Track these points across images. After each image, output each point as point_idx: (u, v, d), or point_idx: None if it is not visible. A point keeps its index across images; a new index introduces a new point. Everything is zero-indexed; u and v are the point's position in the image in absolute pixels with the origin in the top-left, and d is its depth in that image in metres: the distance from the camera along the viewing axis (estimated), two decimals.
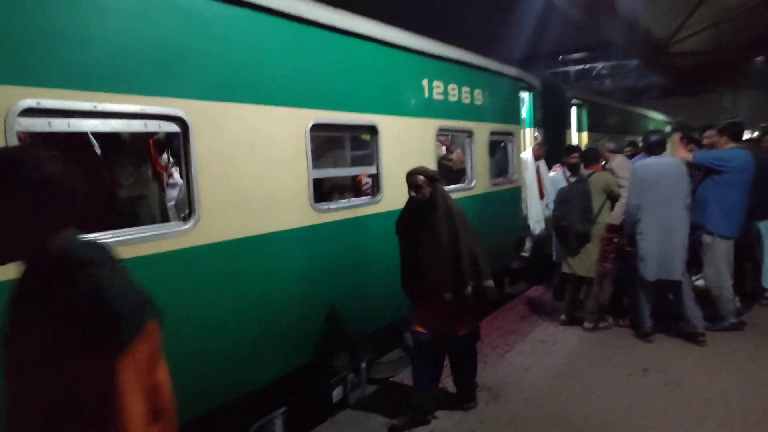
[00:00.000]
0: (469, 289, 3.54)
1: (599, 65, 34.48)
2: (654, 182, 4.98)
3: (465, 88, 5.67)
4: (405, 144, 4.71)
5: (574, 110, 9.90)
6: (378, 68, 4.42)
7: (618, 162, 5.79)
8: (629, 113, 13.26)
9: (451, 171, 6.28)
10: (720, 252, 5.13)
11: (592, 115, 10.23)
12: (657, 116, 17.85)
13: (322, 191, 4.76)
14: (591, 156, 5.69)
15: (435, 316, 3.65)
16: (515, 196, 6.98)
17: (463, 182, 5.95)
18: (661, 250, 4.96)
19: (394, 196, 4.41)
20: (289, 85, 3.57)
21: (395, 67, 4.63)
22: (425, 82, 5.02)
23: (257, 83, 3.35)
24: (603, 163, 5.81)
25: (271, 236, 3.42)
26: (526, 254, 7.49)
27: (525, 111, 7.91)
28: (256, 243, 3.31)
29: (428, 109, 5.07)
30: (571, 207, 5.38)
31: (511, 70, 6.81)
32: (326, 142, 4.86)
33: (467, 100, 5.72)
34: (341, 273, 4.04)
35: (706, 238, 5.15)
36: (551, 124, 8.82)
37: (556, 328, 5.61)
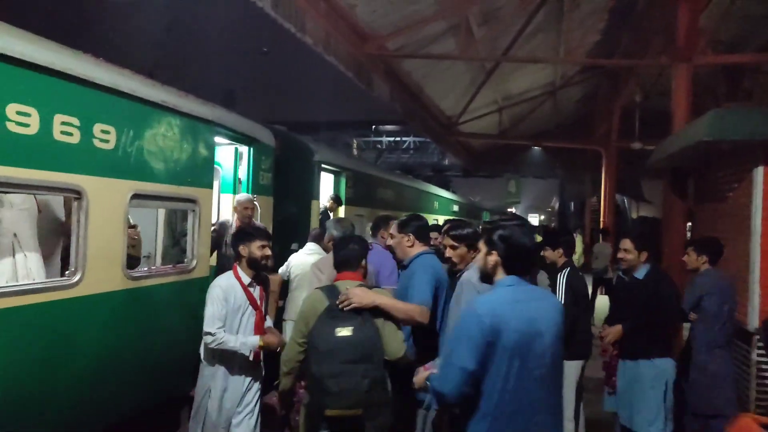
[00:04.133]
0: None
1: (409, 139, 35.42)
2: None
3: (62, 118, 3.33)
4: None
5: (330, 178, 8.20)
6: None
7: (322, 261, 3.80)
8: (407, 188, 12.17)
9: None
10: None
11: (355, 186, 8.63)
12: (445, 195, 17.47)
13: None
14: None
15: None
16: (193, 291, 4.71)
17: (59, 275, 3.55)
18: None
19: None
20: None
21: None
22: None
23: None
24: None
25: None
26: None
27: (244, 171, 5.87)
28: None
29: None
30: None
31: (199, 108, 4.68)
32: None
33: (70, 139, 3.38)
34: None
35: None
36: (291, 192, 6.91)
37: None
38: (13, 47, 3.00)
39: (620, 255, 4.18)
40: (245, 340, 3.58)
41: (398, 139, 35.87)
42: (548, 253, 4.98)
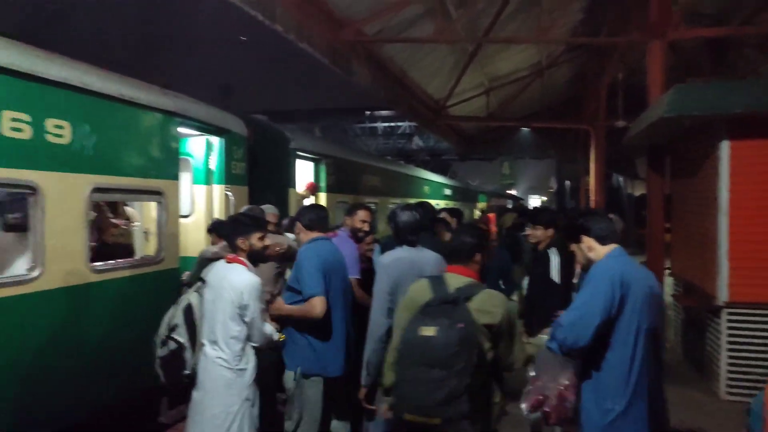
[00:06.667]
0: None
1: (404, 124, 35.20)
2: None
3: (11, 114, 3.35)
4: None
5: (310, 166, 8.22)
6: None
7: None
8: (394, 173, 12.17)
9: None
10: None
11: (336, 173, 8.65)
12: (436, 179, 17.46)
13: None
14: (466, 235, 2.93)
15: None
16: (163, 282, 4.77)
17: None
18: None
19: None
20: None
21: None
22: None
23: None
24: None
25: None
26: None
27: (214, 162, 5.90)
28: None
29: None
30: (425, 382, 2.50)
31: (160, 100, 4.70)
32: None
33: (20, 135, 3.41)
34: None
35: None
36: (267, 181, 6.94)
37: None
38: None
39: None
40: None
41: (393, 124, 35.75)
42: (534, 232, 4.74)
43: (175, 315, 3.43)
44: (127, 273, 4.36)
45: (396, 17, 9.19)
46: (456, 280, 2.74)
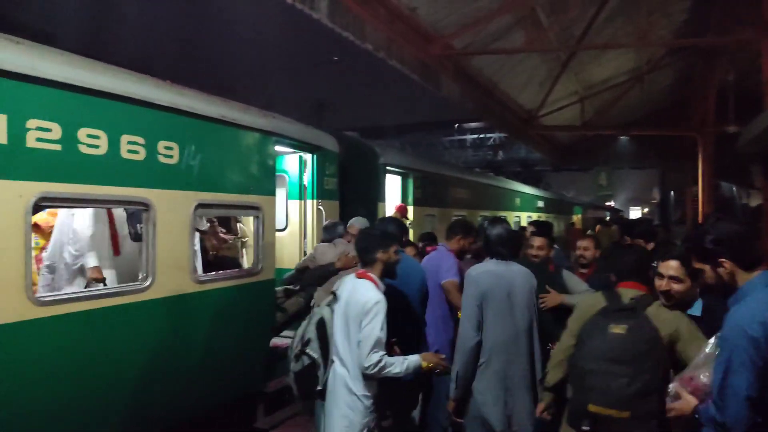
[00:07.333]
0: None
1: (494, 135, 34.65)
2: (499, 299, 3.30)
3: (129, 138, 3.69)
4: None
5: (397, 180, 8.30)
6: None
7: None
8: (482, 186, 11.99)
9: None
10: None
11: (424, 186, 8.68)
12: (527, 190, 17.00)
13: None
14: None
15: None
16: (260, 293, 4.99)
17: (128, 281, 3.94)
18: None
19: None
20: None
21: None
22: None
23: None
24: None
25: None
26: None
27: (307, 178, 6.13)
28: None
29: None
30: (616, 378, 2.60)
31: (258, 120, 4.96)
32: None
33: (136, 156, 3.74)
34: None
35: None
36: (358, 195, 7.09)
37: None
38: (82, 78, 3.39)
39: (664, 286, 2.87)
40: (408, 362, 3.13)
41: (482, 135, 35.28)
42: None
43: (307, 329, 3.33)
44: (228, 284, 4.60)
45: (485, 29, 9.14)
46: (629, 292, 2.87)
